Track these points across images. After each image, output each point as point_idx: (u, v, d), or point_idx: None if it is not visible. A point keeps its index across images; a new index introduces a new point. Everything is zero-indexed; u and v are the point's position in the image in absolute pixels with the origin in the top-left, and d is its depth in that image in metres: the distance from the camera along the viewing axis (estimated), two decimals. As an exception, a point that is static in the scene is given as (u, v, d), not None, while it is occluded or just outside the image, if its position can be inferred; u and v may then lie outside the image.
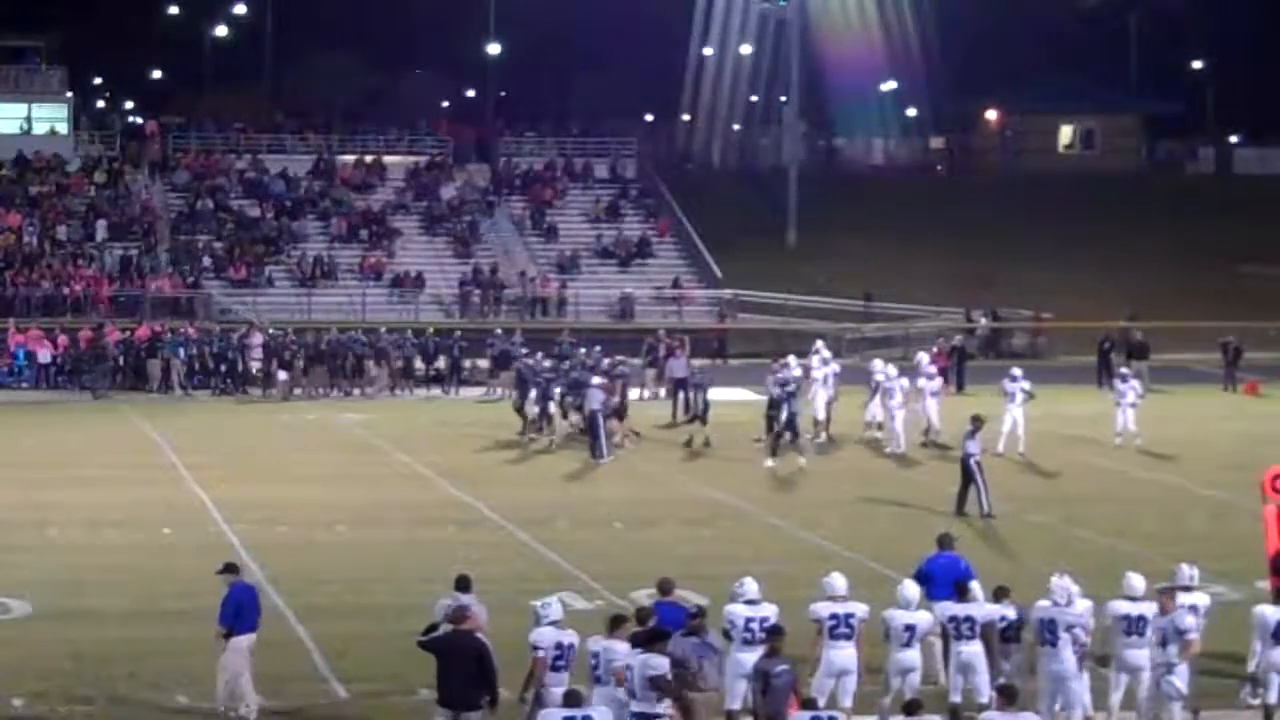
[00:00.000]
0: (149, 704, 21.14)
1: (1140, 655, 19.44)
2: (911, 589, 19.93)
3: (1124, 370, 44.33)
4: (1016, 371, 41.88)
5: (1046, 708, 19.12)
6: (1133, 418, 42.23)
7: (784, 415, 39.19)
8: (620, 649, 18.02)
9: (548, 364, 44.07)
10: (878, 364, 43.34)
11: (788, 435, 39.15)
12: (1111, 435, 42.20)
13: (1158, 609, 19.47)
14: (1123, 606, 19.62)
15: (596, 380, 40.68)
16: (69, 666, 22.57)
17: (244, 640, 20.56)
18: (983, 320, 63.43)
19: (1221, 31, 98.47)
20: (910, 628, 19.56)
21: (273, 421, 46.61)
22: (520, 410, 43.23)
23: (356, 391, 51.75)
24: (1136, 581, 19.81)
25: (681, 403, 46.01)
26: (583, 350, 46.00)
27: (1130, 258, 71.67)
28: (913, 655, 19.59)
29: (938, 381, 43.27)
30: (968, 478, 33.20)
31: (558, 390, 42.34)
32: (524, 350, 47.68)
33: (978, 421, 33.79)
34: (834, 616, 19.51)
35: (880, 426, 42.34)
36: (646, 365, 50.91)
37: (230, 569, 21.24)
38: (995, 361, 55.46)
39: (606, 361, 43.82)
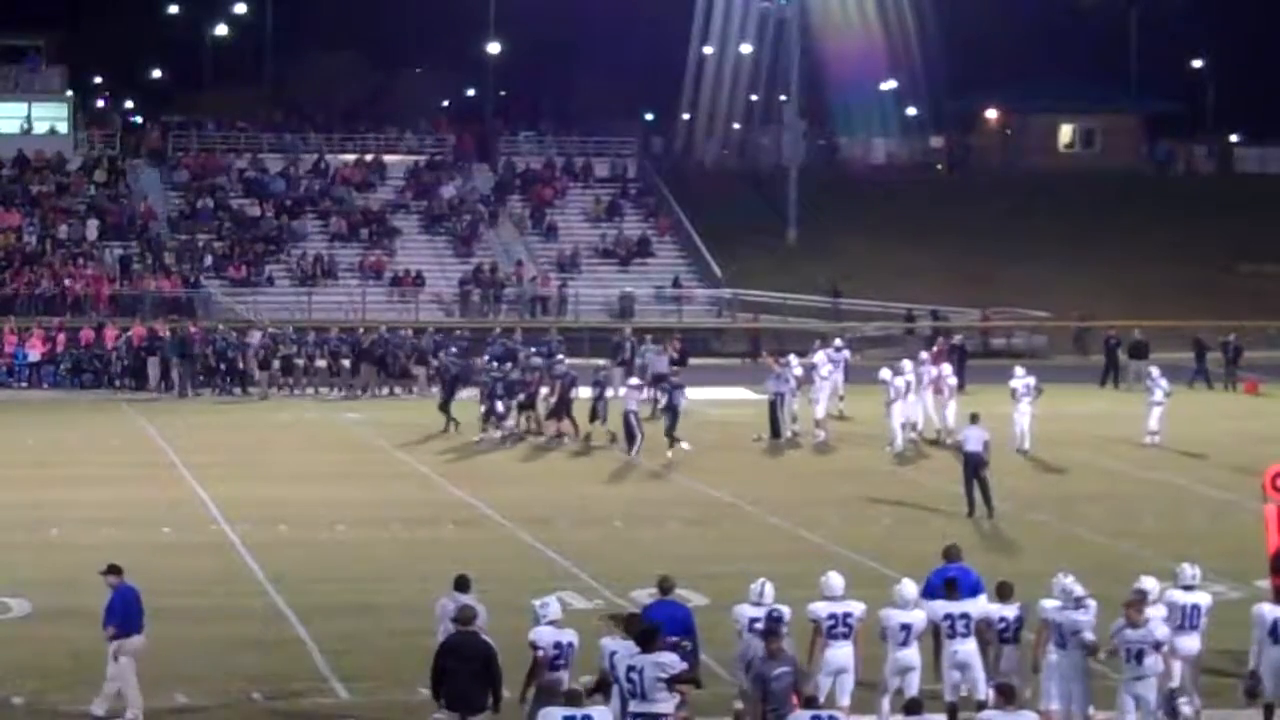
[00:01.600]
0: (149, 704, 21.12)
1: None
2: (909, 588, 19.89)
3: (1153, 369, 43.89)
4: (1020, 370, 41.92)
5: (1061, 708, 19.07)
6: (1158, 416, 42.17)
7: (664, 405, 40.44)
8: (629, 648, 17.93)
9: (536, 360, 44.46)
10: (906, 365, 42.94)
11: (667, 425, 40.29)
12: (1143, 435, 42.24)
13: (1125, 621, 19.05)
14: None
15: (633, 381, 41.02)
16: (69, 666, 22.56)
17: (133, 643, 20.38)
18: (927, 320, 63.48)
19: (1221, 31, 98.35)
20: (906, 627, 19.54)
21: (273, 421, 46.59)
22: (444, 408, 43.82)
23: (400, 390, 51.88)
24: (1148, 583, 19.80)
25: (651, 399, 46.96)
26: (532, 349, 46.22)
27: (1130, 257, 71.65)
28: (910, 654, 19.55)
29: (953, 379, 43.28)
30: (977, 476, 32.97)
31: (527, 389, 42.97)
32: (452, 350, 48.21)
33: (976, 419, 33.73)
34: (832, 616, 19.50)
35: (913, 426, 42.17)
36: (616, 364, 50.57)
37: (114, 570, 20.88)
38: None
39: (547, 360, 44.05)
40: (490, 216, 70.24)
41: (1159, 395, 42.29)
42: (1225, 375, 54.64)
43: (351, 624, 24.86)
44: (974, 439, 33.06)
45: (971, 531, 30.97)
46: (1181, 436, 42.79)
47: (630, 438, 40.00)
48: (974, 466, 32.94)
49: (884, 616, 19.63)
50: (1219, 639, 21.00)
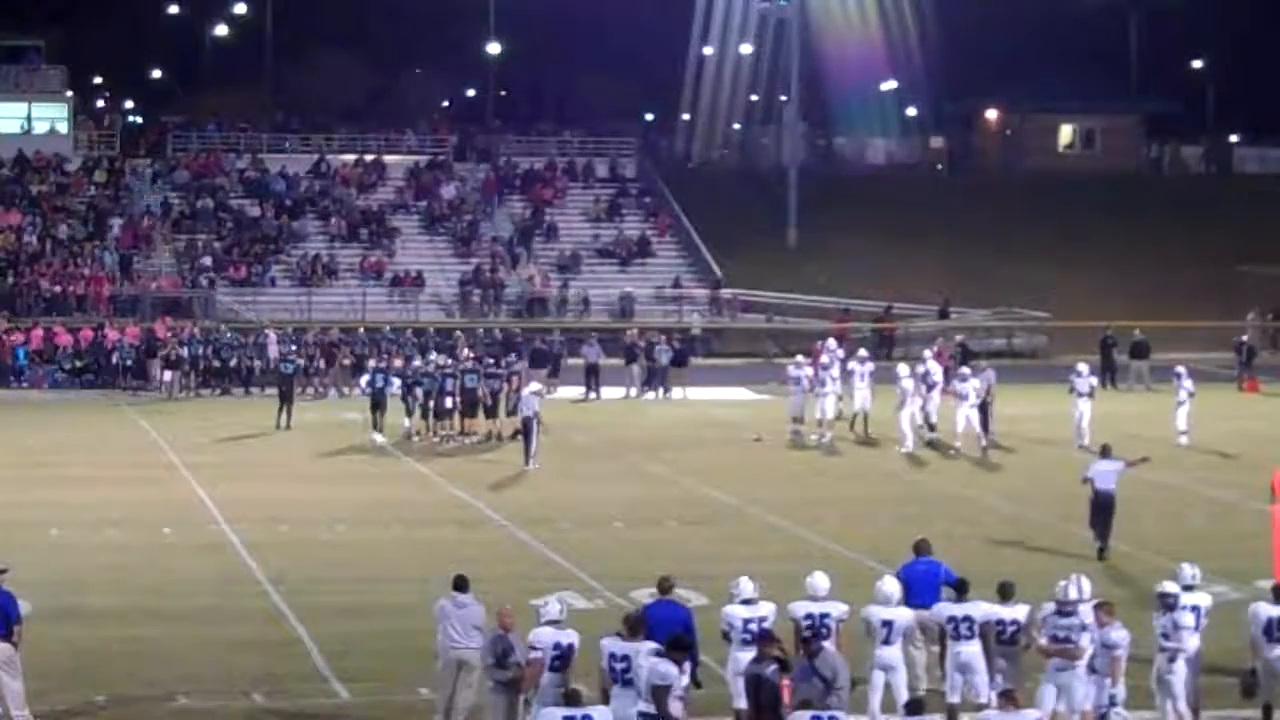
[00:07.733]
0: (149, 704, 21.14)
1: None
2: (891, 585, 19.88)
3: (1179, 369, 43.72)
4: (1082, 368, 42.01)
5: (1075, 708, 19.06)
6: (1184, 415, 42.08)
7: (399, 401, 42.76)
8: (643, 649, 17.89)
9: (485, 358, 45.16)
10: (904, 368, 42.90)
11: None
12: (1174, 436, 41.95)
13: (1094, 622, 19.00)
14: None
15: (534, 386, 40.65)
16: (69, 666, 22.57)
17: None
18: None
19: (1221, 31, 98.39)
20: (888, 624, 19.53)
21: (273, 421, 46.52)
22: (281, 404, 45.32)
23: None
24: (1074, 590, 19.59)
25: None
26: (466, 351, 46.34)
27: (1130, 257, 71.63)
28: (892, 653, 19.49)
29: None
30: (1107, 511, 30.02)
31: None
32: (292, 349, 49.77)
33: (1108, 451, 30.79)
34: (808, 616, 19.46)
35: (933, 427, 42.07)
36: (628, 362, 52.54)
37: None
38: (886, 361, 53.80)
39: (490, 362, 44.23)
40: (513, 259, 68.81)
41: (1182, 395, 42.19)
42: (1238, 375, 54.71)
43: (351, 624, 24.85)
44: (1106, 475, 29.82)
45: (971, 532, 30.95)
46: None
47: (527, 443, 38.85)
48: (1106, 506, 29.75)
49: (866, 614, 19.63)
50: (1219, 639, 20.98)
